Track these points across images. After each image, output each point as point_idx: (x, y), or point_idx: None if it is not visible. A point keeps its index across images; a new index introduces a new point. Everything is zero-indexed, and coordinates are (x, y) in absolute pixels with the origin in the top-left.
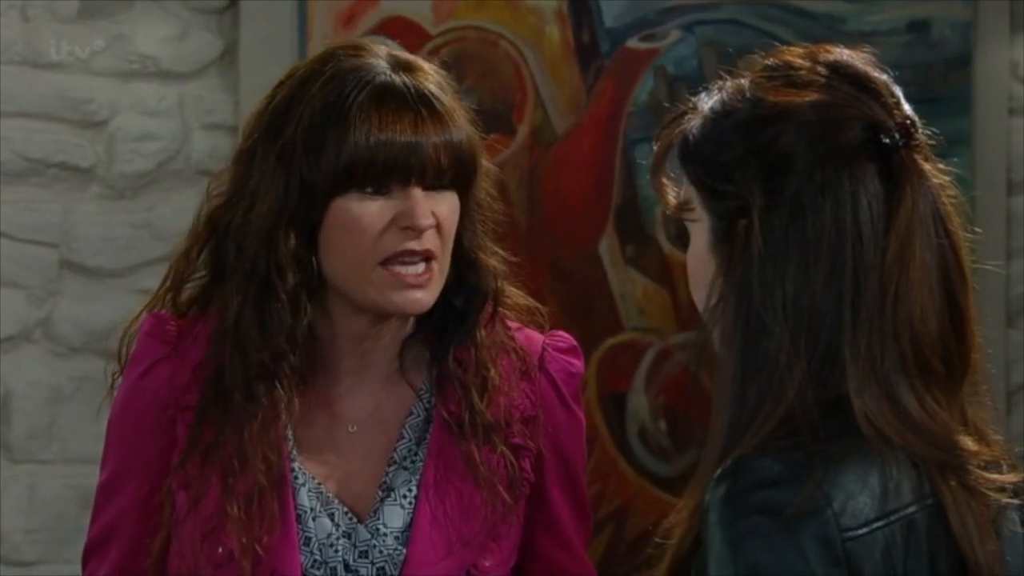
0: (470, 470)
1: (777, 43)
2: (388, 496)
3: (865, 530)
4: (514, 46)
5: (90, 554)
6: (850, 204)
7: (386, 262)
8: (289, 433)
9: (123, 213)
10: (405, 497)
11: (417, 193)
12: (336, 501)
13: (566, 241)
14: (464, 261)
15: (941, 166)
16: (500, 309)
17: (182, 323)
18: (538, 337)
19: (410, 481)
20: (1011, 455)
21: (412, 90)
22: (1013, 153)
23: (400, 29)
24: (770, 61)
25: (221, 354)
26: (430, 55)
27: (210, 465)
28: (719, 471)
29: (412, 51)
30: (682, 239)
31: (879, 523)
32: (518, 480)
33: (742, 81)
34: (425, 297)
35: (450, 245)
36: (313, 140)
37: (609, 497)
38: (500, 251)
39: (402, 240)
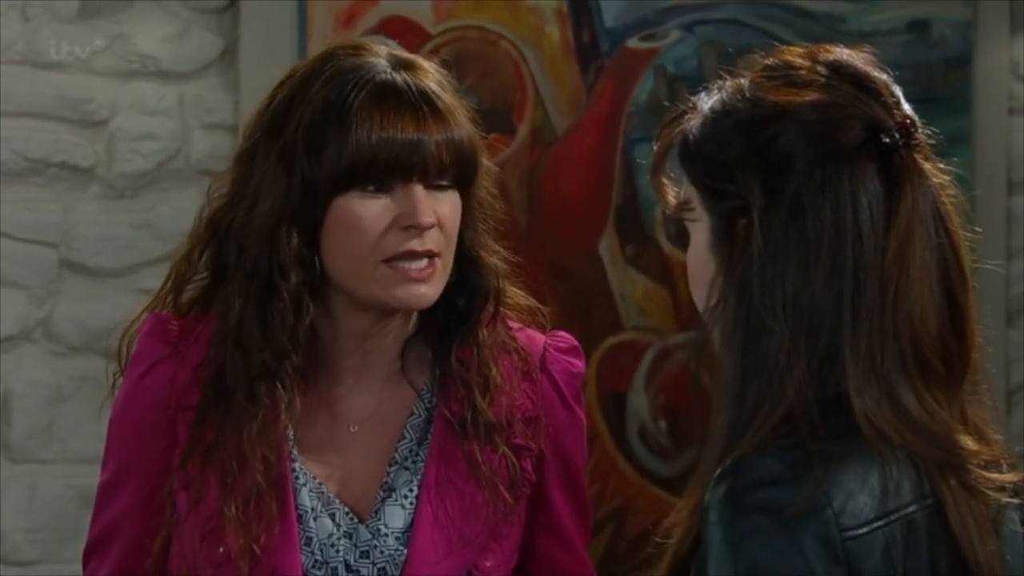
0: (472, 470)
1: (777, 43)
2: (389, 496)
3: (865, 529)
4: (514, 46)
5: (91, 554)
6: (850, 203)
7: (389, 260)
8: (290, 433)
9: (123, 213)
10: (406, 497)
11: (419, 191)
12: (337, 501)
13: (566, 241)
14: (466, 260)
15: (941, 166)
16: (501, 309)
17: (183, 323)
18: (539, 337)
19: (411, 481)
20: (1011, 454)
21: (413, 88)
22: (1013, 153)
23: (400, 29)
24: (770, 61)
25: (223, 354)
26: (430, 55)
27: (210, 465)
28: (719, 470)
29: (412, 51)
30: (682, 239)
31: (879, 522)
32: (519, 480)
33: (742, 81)
34: (429, 291)
35: (453, 244)
36: (314, 139)
37: (609, 497)
38: (501, 250)
39: (404, 240)
